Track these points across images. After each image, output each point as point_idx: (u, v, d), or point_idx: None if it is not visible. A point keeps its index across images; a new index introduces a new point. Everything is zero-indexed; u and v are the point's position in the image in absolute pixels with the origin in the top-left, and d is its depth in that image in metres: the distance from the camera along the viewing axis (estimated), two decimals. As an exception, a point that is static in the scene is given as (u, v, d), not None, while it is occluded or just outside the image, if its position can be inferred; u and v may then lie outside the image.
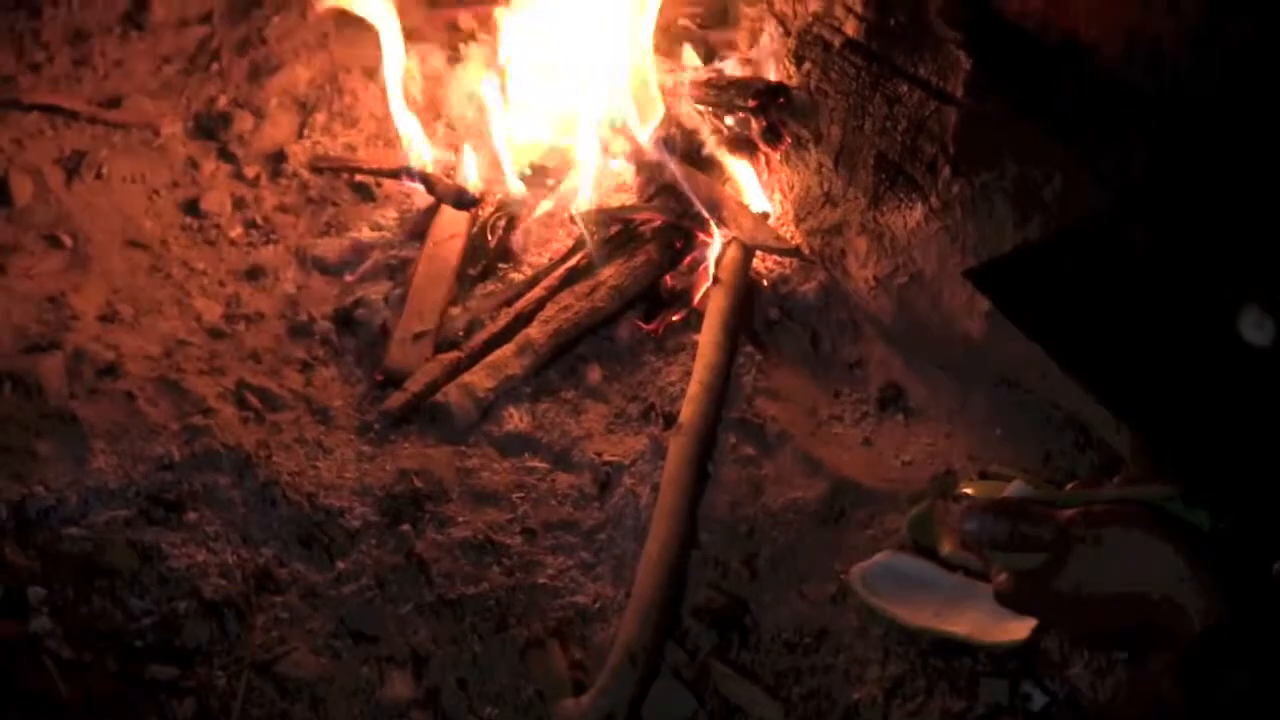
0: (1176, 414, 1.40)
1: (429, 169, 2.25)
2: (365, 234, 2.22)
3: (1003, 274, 1.37)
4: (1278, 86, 1.63)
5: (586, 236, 2.16)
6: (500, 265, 2.19)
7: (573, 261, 2.13)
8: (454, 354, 2.01)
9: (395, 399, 1.94)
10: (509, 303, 2.09)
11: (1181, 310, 1.47)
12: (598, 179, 2.25)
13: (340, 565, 1.77)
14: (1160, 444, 1.39)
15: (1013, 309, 1.40)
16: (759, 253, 2.13)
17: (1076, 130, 1.75)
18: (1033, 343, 1.39)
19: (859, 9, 1.98)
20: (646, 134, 2.24)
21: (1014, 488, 1.57)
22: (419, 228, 2.21)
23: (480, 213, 2.22)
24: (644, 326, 2.06)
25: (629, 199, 2.23)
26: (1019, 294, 1.43)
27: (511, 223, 2.23)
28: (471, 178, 2.23)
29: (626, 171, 2.24)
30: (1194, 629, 1.10)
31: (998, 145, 1.83)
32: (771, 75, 2.21)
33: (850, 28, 2.02)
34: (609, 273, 2.11)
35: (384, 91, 2.34)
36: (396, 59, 2.29)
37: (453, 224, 2.19)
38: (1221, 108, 1.64)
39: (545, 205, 2.23)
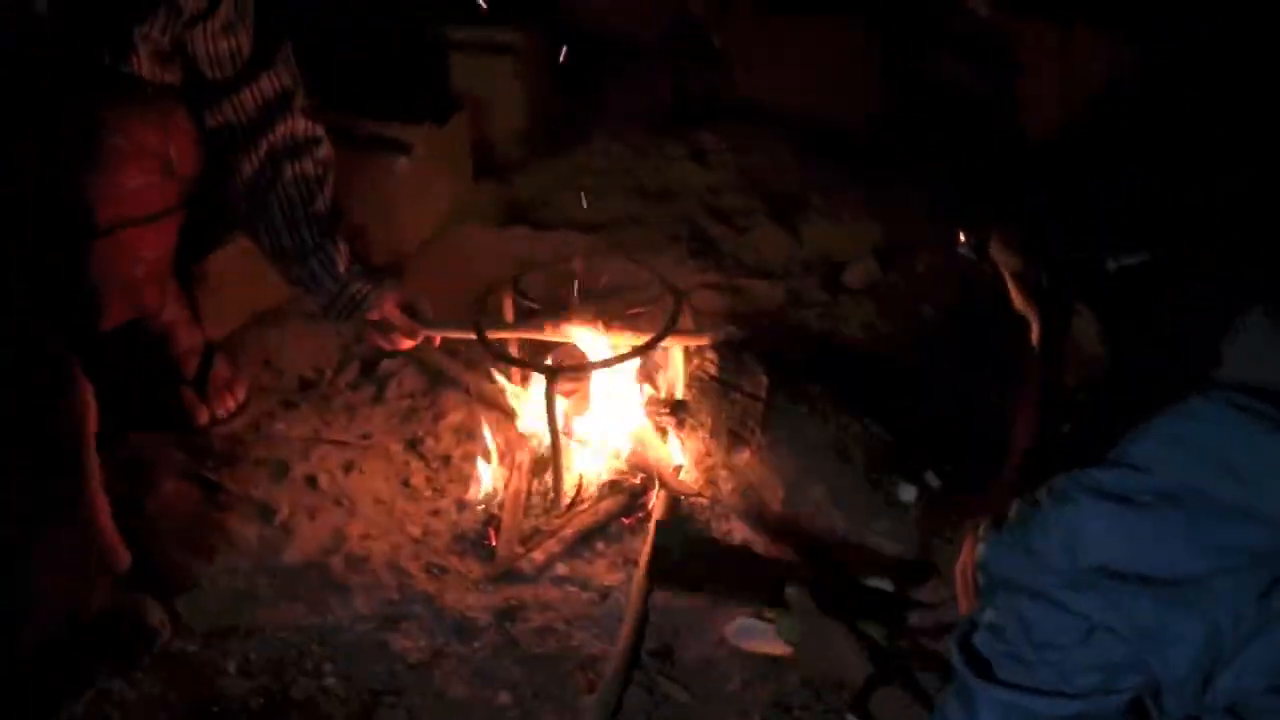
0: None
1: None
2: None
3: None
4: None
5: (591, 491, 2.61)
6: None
7: (587, 504, 2.62)
8: (526, 546, 2.48)
9: (500, 566, 2.44)
10: (559, 519, 2.57)
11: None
12: (605, 468, 2.70)
13: (475, 644, 2.23)
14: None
15: None
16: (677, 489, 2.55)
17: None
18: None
19: (716, 362, 2.66)
20: (628, 440, 2.68)
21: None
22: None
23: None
24: (625, 522, 2.56)
25: (619, 468, 2.69)
26: None
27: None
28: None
29: (616, 454, 2.68)
30: None
31: (780, 419, 2.60)
32: (679, 395, 2.71)
33: (712, 371, 2.66)
34: (605, 504, 2.60)
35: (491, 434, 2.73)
36: (492, 430, 2.74)
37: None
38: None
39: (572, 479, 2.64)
